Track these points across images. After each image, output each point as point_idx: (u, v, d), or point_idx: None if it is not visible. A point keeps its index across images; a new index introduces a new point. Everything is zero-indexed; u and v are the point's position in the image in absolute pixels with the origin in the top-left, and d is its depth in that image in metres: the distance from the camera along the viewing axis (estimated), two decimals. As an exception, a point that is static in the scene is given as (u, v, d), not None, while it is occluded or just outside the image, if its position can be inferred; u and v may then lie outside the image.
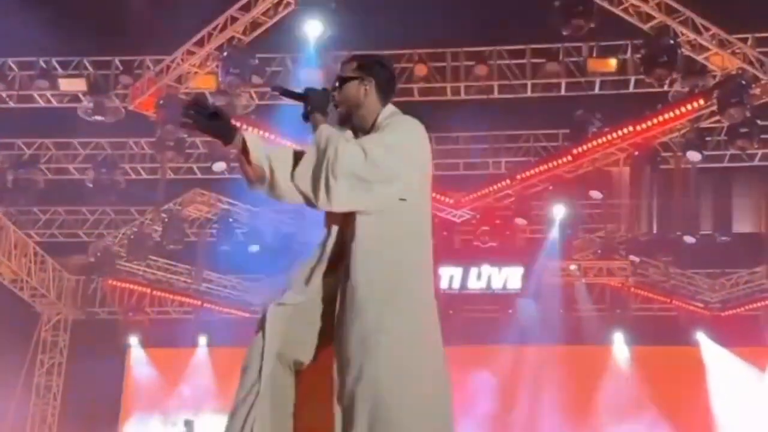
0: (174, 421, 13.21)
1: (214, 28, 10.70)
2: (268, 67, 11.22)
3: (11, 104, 11.86)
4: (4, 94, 11.73)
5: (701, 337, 14.21)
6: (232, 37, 10.64)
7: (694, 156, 11.22)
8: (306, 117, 3.58)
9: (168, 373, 14.98)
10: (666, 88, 10.89)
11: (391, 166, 3.36)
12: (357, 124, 3.61)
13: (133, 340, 15.21)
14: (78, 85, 11.48)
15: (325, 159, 3.32)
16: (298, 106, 3.60)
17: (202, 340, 15.05)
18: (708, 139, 11.62)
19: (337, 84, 3.66)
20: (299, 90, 3.71)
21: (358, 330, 3.26)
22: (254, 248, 13.47)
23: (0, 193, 13.17)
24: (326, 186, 3.29)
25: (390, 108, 3.65)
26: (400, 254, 3.39)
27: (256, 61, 10.84)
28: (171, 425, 13.11)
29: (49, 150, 13.20)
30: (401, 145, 3.43)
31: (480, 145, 12.82)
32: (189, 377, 14.88)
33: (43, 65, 11.52)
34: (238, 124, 3.63)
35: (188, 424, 12.41)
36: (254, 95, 11.50)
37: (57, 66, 11.59)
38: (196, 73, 11.10)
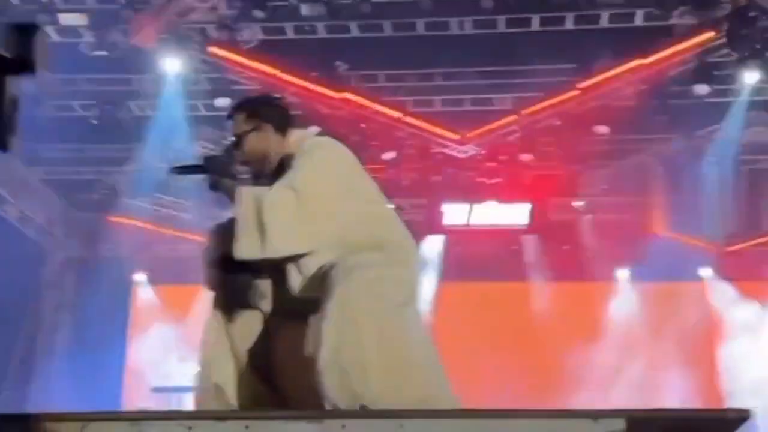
0: (183, 356, 13.32)
1: (216, -39, 10.57)
2: (269, 1, 11.07)
3: (13, 40, 11.75)
4: (4, 30, 11.62)
5: (705, 272, 14.24)
6: (235, -30, 10.51)
7: (701, 89, 11.12)
8: (214, 187, 3.50)
9: (174, 309, 15.08)
10: (674, 21, 10.75)
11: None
12: (270, 169, 3.62)
13: (140, 277, 15.30)
14: (79, 19, 11.37)
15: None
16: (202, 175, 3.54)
17: (210, 276, 15.10)
18: (716, 73, 11.49)
19: (235, 142, 3.59)
20: (196, 162, 3.61)
21: None
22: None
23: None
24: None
25: (296, 135, 3.66)
26: None
27: (261, -3, 10.71)
28: (180, 359, 13.22)
29: (52, 87, 13.10)
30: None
31: (485, 81, 12.70)
32: (197, 313, 14.96)
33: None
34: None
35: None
36: (258, 29, 11.37)
37: (57, 0, 11.45)
38: (198, 7, 10.98)
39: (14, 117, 1.59)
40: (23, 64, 1.48)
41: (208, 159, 3.60)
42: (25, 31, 1.50)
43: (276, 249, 3.35)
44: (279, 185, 3.43)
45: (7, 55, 1.50)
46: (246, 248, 3.38)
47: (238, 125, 3.60)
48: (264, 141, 3.60)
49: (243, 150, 3.58)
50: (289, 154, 3.57)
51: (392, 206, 3.63)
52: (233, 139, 3.60)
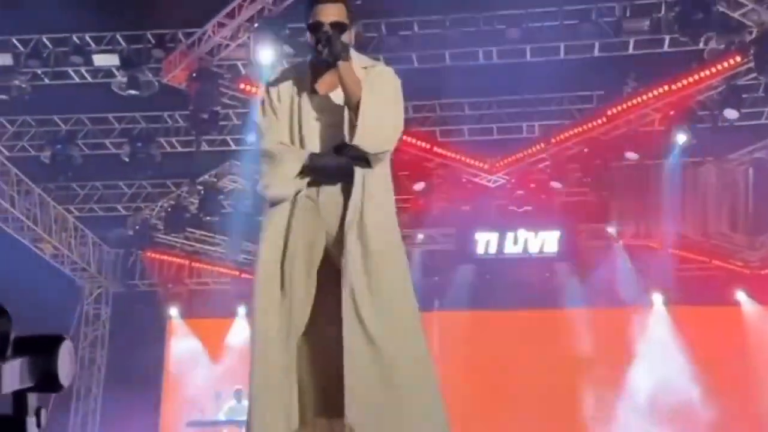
0: (218, 391, 13.36)
1: (245, 0, 10.70)
2: (299, 37, 11.19)
3: (47, 81, 11.98)
4: (39, 71, 11.84)
5: (741, 296, 14.12)
6: (263, 8, 10.64)
7: (731, 114, 11.09)
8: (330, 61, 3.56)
9: (209, 343, 15.16)
10: (701, 46, 10.76)
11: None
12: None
13: (173, 311, 15.41)
14: (111, 60, 11.56)
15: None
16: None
17: (241, 310, 15.19)
18: (744, 96, 11.47)
19: (335, 31, 3.59)
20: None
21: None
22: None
23: (39, 169, 13.36)
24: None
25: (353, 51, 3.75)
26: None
27: (287, 32, 10.83)
28: (215, 395, 13.26)
29: (85, 125, 13.32)
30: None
31: (513, 109, 12.75)
32: (229, 346, 15.04)
33: (77, 41, 11.59)
34: None
35: (238, 393, 12.58)
36: (286, 65, 11.50)
37: (90, 42, 11.66)
38: (227, 45, 11.13)
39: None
40: (47, 383, 1.48)
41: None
42: (49, 345, 1.49)
43: (390, 140, 3.65)
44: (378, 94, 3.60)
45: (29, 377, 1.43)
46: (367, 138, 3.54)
47: (341, 13, 3.63)
48: (349, 38, 3.68)
49: (343, 41, 3.60)
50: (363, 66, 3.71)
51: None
52: (335, 21, 3.60)
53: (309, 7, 3.64)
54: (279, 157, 3.58)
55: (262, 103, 3.75)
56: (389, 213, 3.65)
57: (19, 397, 1.47)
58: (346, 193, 3.55)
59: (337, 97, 3.65)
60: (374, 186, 3.57)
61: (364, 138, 3.50)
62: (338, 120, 3.60)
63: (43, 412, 1.50)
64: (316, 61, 3.65)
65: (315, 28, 3.59)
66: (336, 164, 3.58)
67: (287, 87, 3.70)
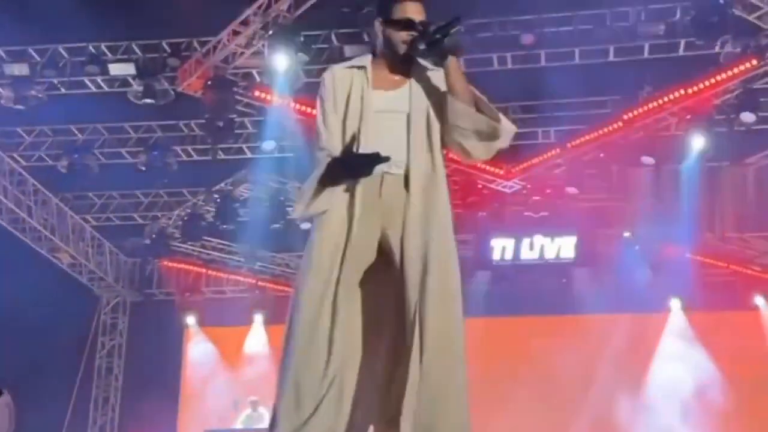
0: (236, 399, 13.37)
1: (259, 7, 10.72)
2: (314, 44, 11.22)
3: (63, 90, 12.03)
4: (55, 81, 11.90)
5: (760, 301, 14.03)
6: (277, 15, 10.66)
7: (748, 117, 11.02)
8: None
9: (226, 351, 15.19)
10: (717, 49, 10.70)
11: None
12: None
13: (190, 320, 15.44)
14: (127, 69, 11.61)
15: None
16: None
17: (258, 318, 15.21)
18: (762, 99, 11.41)
19: (421, 29, 3.58)
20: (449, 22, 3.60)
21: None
22: (306, 225, 13.50)
23: (56, 179, 13.43)
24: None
25: None
26: None
27: (302, 39, 10.84)
28: (233, 404, 13.26)
29: (101, 135, 13.38)
30: None
31: (528, 115, 12.72)
32: (246, 354, 15.06)
33: (93, 51, 11.64)
34: None
35: (253, 403, 12.59)
36: (302, 73, 11.52)
37: (106, 51, 11.71)
38: (242, 53, 11.15)
39: None
40: None
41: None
42: None
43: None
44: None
45: None
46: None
47: (423, 13, 3.63)
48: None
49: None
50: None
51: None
52: (423, 21, 3.58)
53: (393, 2, 3.61)
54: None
55: (321, 86, 3.67)
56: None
57: None
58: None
59: (400, 96, 3.62)
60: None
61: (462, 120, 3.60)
62: (401, 120, 3.57)
63: None
64: (410, 53, 3.61)
65: (408, 24, 3.57)
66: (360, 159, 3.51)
67: (345, 82, 3.63)
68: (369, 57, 3.70)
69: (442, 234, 3.55)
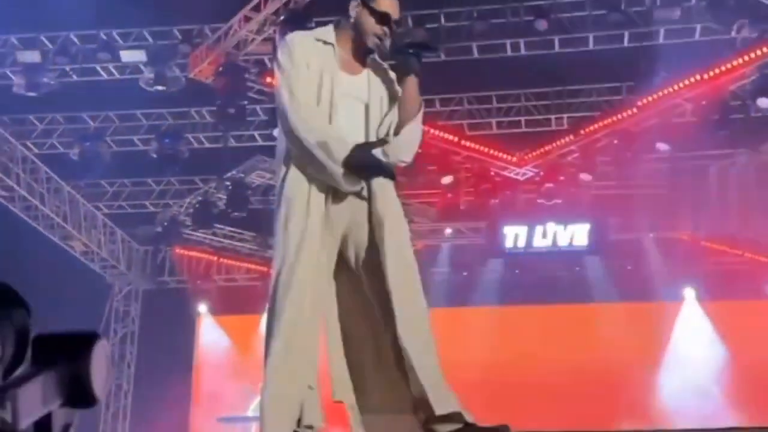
0: (248, 387, 13.36)
1: (270, -7, 10.68)
2: (325, 30, 11.13)
3: (74, 78, 12.01)
4: (67, 68, 11.87)
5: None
6: (288, 1, 10.61)
7: (764, 103, 10.91)
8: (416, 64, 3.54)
9: (238, 339, 15.18)
10: (734, 34, 10.58)
11: None
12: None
13: (203, 308, 15.44)
14: (139, 56, 11.58)
15: None
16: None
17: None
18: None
19: (393, 27, 3.59)
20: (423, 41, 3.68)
21: None
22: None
23: (68, 166, 13.41)
24: None
25: None
26: None
27: (313, 25, 10.76)
28: (245, 390, 13.25)
29: (113, 122, 13.35)
30: None
31: (541, 102, 12.63)
32: (259, 342, 15.03)
33: (104, 38, 11.62)
34: None
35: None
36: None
37: (117, 38, 11.68)
38: (253, 39, 11.10)
39: None
40: (79, 397, 1.14)
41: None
42: (80, 346, 1.14)
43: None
44: None
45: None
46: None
47: (398, 12, 3.61)
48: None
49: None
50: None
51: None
52: (396, 20, 3.59)
53: None
54: (325, 143, 3.43)
55: (290, 51, 3.55)
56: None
57: (43, 419, 1.13)
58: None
59: (360, 83, 3.60)
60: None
61: (406, 153, 3.65)
62: (360, 108, 3.56)
63: (71, 430, 1.18)
64: (374, 49, 3.61)
65: (383, 19, 3.54)
66: (377, 162, 3.54)
67: (315, 54, 3.55)
68: (333, 33, 3.63)
69: (397, 219, 3.58)
